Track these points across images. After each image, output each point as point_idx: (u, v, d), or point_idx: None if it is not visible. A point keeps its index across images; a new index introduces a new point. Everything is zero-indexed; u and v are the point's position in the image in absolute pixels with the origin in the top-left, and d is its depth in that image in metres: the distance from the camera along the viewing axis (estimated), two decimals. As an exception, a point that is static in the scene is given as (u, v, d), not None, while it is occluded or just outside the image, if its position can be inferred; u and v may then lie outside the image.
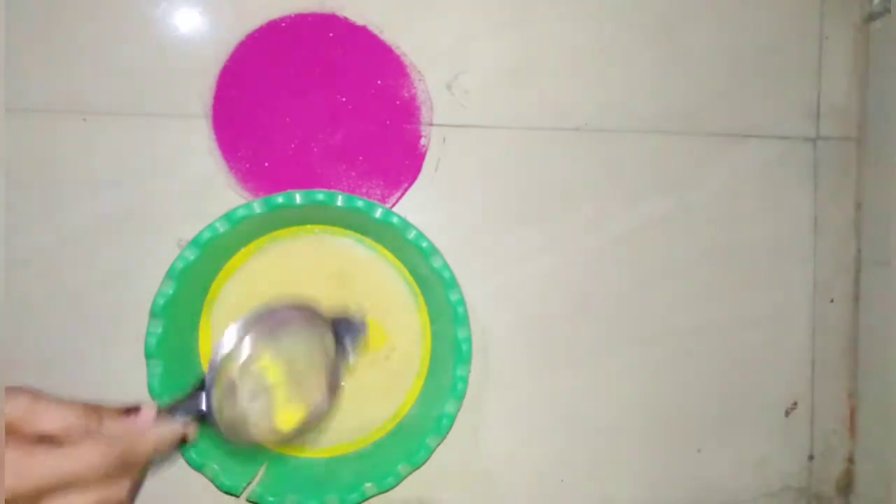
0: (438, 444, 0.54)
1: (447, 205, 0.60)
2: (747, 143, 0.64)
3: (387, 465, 0.54)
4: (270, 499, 0.53)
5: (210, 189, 0.57)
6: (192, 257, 0.51)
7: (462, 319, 0.54)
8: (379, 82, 0.59)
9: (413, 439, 0.55)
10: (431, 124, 0.60)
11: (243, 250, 0.56)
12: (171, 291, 0.51)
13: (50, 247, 0.56)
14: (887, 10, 0.63)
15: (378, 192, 0.59)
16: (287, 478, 0.55)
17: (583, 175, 0.62)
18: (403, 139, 0.60)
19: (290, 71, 0.58)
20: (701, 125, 0.63)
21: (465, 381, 0.54)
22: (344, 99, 0.59)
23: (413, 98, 0.60)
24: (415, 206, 0.60)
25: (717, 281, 0.64)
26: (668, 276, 0.63)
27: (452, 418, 0.54)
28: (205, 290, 0.56)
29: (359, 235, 0.58)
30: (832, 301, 0.65)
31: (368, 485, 0.53)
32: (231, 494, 0.53)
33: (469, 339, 0.54)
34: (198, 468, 0.52)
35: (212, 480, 0.52)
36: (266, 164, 0.58)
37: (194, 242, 0.51)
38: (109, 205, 0.56)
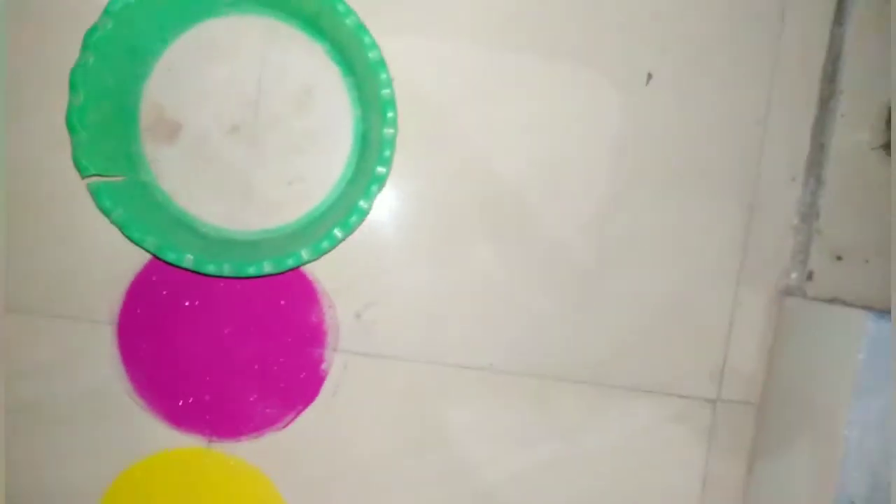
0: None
1: (341, 431, 0.61)
2: (647, 399, 0.65)
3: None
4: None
5: (107, 395, 0.59)
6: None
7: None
8: (288, 305, 0.60)
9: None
10: (336, 350, 0.61)
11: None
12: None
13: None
14: (803, 292, 0.64)
15: (273, 412, 0.61)
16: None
17: (480, 414, 0.63)
18: (306, 362, 0.61)
19: (201, 287, 0.59)
20: (604, 377, 0.64)
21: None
22: (252, 318, 0.60)
23: (321, 323, 0.61)
24: (308, 430, 0.61)
25: (600, 527, 0.65)
26: (552, 517, 0.64)
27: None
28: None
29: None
30: (711, 561, 0.66)
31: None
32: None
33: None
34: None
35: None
36: (165, 376, 0.59)
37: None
38: (6, 401, 0.58)
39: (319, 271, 0.61)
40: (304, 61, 0.58)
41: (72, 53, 0.52)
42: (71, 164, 0.53)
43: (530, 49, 0.61)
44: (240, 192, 0.59)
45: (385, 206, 0.61)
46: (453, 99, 0.61)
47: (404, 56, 0.59)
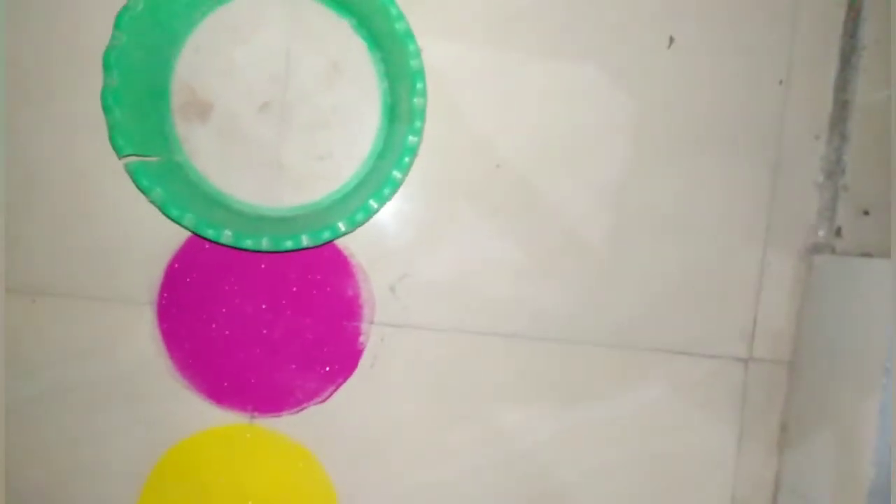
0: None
1: (381, 402, 0.62)
2: (679, 361, 0.65)
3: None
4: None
5: (148, 374, 0.59)
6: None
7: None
8: (324, 280, 0.61)
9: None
10: (372, 322, 0.62)
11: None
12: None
13: (-12, 420, 0.58)
14: (831, 249, 0.65)
15: (313, 386, 0.61)
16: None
17: (515, 380, 0.64)
18: (343, 336, 0.61)
19: (238, 265, 0.60)
20: (635, 340, 0.65)
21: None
22: (289, 294, 0.61)
23: (357, 297, 0.61)
24: (347, 402, 0.62)
25: (639, 489, 0.65)
26: (590, 481, 0.65)
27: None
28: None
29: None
30: (748, 518, 0.67)
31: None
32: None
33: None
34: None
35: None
36: (205, 355, 0.60)
37: None
38: (50, 384, 0.58)
39: (353, 245, 0.61)
40: (330, 37, 0.59)
41: (102, 36, 0.53)
42: (104, 146, 0.54)
43: (549, 15, 0.61)
44: (272, 170, 0.60)
45: (414, 179, 0.61)
46: (474, 71, 0.61)
47: (427, 31, 0.59)
